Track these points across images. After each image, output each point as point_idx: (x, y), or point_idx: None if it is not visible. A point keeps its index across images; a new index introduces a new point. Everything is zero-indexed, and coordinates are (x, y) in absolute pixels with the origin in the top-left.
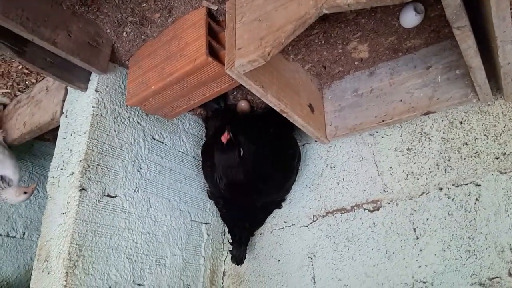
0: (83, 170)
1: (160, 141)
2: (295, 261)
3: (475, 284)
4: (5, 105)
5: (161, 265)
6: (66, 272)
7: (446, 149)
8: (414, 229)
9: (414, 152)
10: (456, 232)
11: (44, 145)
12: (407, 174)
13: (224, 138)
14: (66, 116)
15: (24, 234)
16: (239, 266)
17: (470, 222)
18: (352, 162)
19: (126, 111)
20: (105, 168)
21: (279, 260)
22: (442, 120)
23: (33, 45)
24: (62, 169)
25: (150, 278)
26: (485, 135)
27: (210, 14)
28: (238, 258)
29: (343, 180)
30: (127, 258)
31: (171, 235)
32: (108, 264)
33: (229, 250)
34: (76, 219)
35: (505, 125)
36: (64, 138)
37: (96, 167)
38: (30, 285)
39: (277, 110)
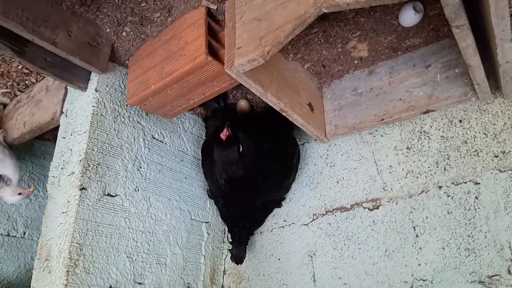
0: (83, 169)
1: (160, 140)
2: (295, 259)
3: (475, 282)
4: (5, 105)
5: (162, 264)
6: (67, 271)
7: (446, 147)
8: (414, 228)
9: (414, 151)
10: (455, 230)
11: (44, 144)
12: (407, 173)
13: (223, 134)
14: (66, 116)
15: (24, 233)
16: (239, 265)
17: (469, 220)
18: (352, 161)
19: (126, 111)
20: (105, 168)
21: (279, 259)
22: (442, 119)
23: (33, 45)
24: (62, 168)
25: (151, 277)
26: (484, 133)
27: (209, 13)
28: (237, 257)
29: (343, 178)
30: (127, 257)
31: (171, 234)
32: (109, 263)
33: (229, 249)
34: (76, 218)
35: (504, 123)
36: (64, 138)
37: (96, 167)
38: (31, 284)
39: (277, 109)
